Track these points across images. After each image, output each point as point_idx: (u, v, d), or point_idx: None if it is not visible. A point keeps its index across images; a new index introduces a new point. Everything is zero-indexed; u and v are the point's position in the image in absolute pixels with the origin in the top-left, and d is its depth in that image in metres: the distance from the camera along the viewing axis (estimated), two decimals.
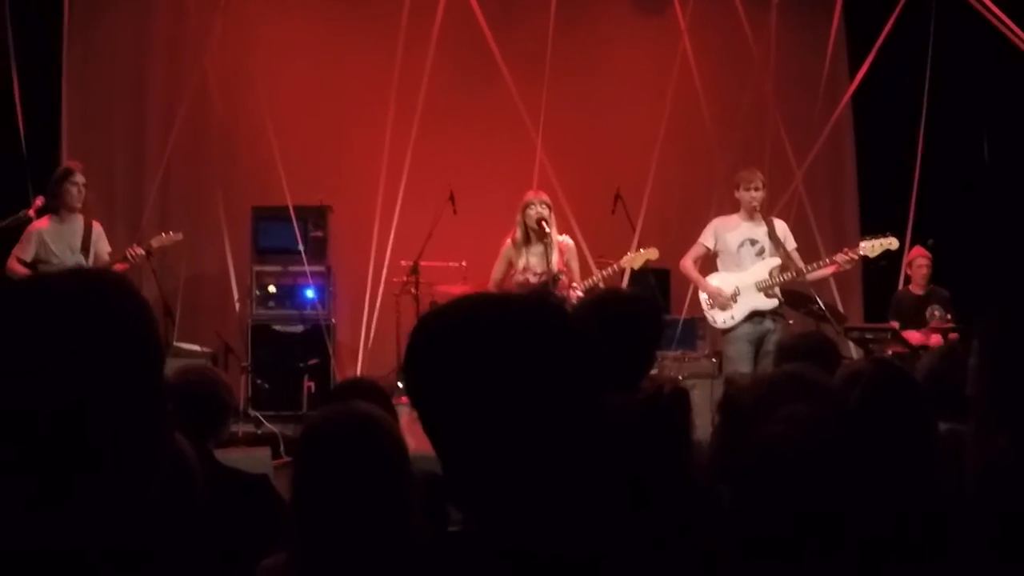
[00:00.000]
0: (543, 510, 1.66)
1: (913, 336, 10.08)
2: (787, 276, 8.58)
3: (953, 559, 2.27)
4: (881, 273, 11.05)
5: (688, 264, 8.91)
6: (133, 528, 1.51)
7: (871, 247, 8.61)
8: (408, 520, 2.62)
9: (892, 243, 8.68)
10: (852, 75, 11.40)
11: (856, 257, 8.63)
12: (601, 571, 1.68)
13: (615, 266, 9.34)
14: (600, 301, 3.82)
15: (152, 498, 1.52)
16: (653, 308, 4.32)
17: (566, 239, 9.18)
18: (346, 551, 2.57)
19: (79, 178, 8.85)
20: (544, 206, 8.88)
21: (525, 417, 1.64)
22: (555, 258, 8.80)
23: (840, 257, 8.58)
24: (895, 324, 10.45)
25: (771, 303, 8.60)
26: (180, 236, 9.35)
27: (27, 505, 1.45)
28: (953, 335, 10.18)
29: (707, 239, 8.87)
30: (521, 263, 8.95)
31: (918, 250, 10.64)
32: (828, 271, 8.77)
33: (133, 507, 1.51)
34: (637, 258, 9.30)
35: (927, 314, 10.39)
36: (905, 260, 10.65)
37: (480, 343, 1.67)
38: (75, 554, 1.46)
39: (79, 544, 1.46)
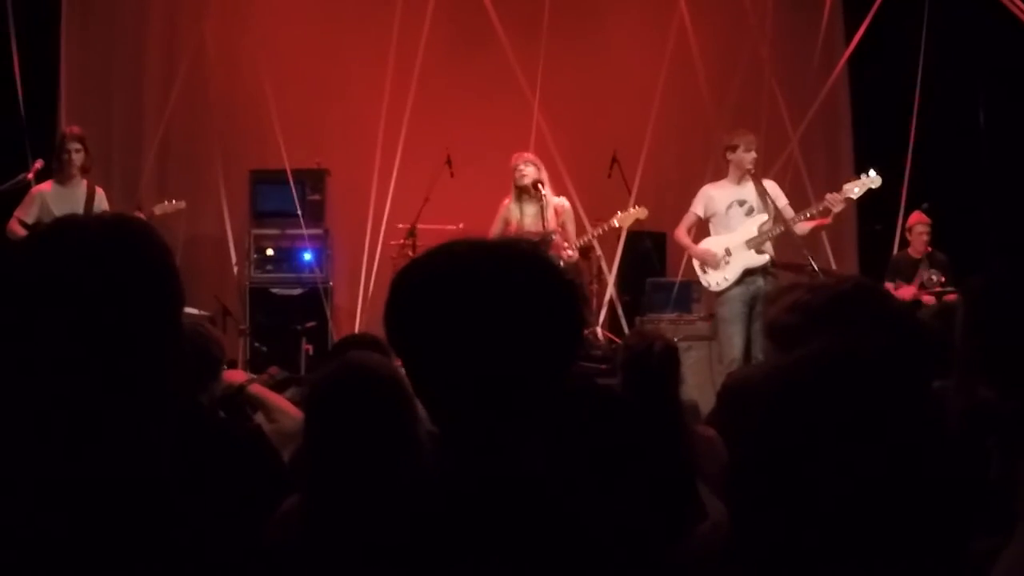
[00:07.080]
0: (522, 452, 1.68)
1: (906, 292, 10.15)
2: (778, 230, 8.59)
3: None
4: (876, 236, 11.07)
5: (681, 233, 8.96)
6: (152, 461, 1.59)
7: (854, 188, 8.61)
8: (416, 460, 2.68)
9: (875, 181, 8.63)
10: (848, 39, 11.36)
11: (841, 198, 8.60)
12: (580, 513, 1.68)
13: (607, 225, 9.44)
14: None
15: (166, 436, 1.61)
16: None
17: (563, 201, 9.28)
18: (357, 494, 2.62)
19: (71, 144, 8.85)
20: (531, 166, 9.03)
21: (504, 360, 1.65)
22: (550, 217, 8.92)
23: (827, 199, 8.56)
24: (889, 286, 10.50)
25: (762, 259, 8.59)
26: (183, 204, 9.45)
27: (61, 438, 1.53)
28: (949, 297, 10.22)
29: (697, 207, 8.90)
30: (515, 220, 9.11)
31: (918, 216, 10.62)
32: (817, 223, 8.72)
33: (153, 442, 1.59)
34: (627, 217, 9.46)
35: (918, 276, 10.42)
36: (901, 223, 10.66)
37: (460, 286, 1.69)
38: (102, 483, 1.54)
39: (106, 473, 1.54)
